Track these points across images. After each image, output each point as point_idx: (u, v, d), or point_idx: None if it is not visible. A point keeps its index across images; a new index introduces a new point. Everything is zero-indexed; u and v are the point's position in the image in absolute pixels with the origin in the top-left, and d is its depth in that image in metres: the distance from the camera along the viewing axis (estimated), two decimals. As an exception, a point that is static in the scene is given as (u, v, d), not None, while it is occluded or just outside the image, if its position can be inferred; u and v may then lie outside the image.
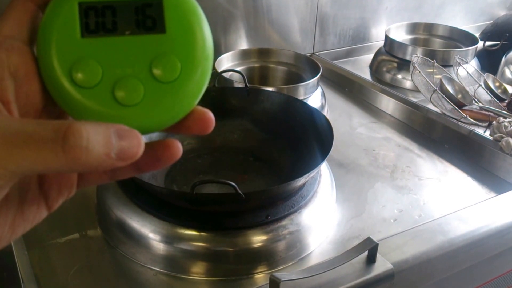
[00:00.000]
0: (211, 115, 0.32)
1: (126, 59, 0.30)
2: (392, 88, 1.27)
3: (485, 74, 1.25)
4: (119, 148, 0.26)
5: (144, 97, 0.30)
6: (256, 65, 1.29)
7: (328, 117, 0.83)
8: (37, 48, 0.30)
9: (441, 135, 1.07)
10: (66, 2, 0.29)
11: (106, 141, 0.25)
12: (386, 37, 1.41)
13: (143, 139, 0.27)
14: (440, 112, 1.11)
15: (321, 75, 1.13)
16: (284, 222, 0.72)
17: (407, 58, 1.32)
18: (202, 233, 0.69)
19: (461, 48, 1.40)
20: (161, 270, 0.70)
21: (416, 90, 1.23)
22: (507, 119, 1.01)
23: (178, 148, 0.30)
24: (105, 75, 0.29)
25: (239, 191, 0.64)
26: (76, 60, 0.29)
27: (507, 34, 1.46)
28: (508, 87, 1.26)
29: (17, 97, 0.29)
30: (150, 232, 0.70)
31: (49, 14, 0.30)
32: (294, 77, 1.24)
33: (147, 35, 0.30)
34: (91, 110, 0.29)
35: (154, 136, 0.36)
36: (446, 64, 1.28)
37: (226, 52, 1.24)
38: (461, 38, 1.46)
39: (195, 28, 0.30)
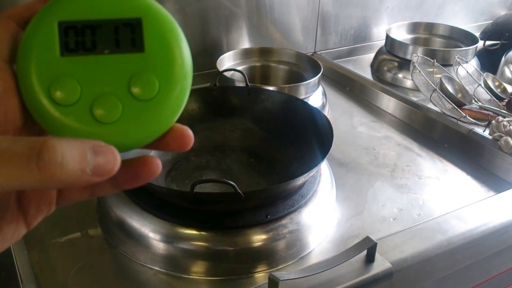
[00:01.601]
0: (189, 132, 0.32)
1: (105, 77, 0.30)
2: (393, 88, 1.27)
3: (485, 73, 1.25)
4: (94, 164, 0.26)
5: (122, 115, 0.30)
6: (258, 64, 1.29)
7: (329, 116, 0.84)
8: (16, 66, 0.30)
9: (441, 134, 1.08)
10: (46, 21, 0.30)
11: (81, 157, 0.25)
12: (387, 36, 1.41)
13: (119, 155, 0.27)
14: (440, 111, 1.11)
15: (322, 74, 1.13)
16: (284, 221, 0.72)
17: (408, 57, 1.32)
18: (202, 233, 0.69)
19: (461, 47, 1.40)
20: (161, 270, 0.70)
21: (416, 89, 1.23)
22: (506, 118, 1.01)
23: (157, 164, 0.30)
24: (83, 93, 0.30)
25: (239, 191, 0.64)
26: (55, 78, 0.29)
27: (507, 34, 1.46)
28: (507, 86, 1.26)
29: None
30: (150, 231, 0.70)
31: (29, 33, 0.30)
32: (295, 76, 1.24)
33: (126, 54, 0.30)
34: (69, 128, 0.29)
35: (134, 152, 0.37)
36: (446, 63, 1.28)
37: (228, 51, 1.24)
38: (461, 37, 1.46)
39: (173, 47, 0.31)
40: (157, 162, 0.30)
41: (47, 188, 0.32)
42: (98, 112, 0.29)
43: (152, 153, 0.82)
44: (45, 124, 0.30)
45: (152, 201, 0.72)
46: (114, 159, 0.27)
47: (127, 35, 0.30)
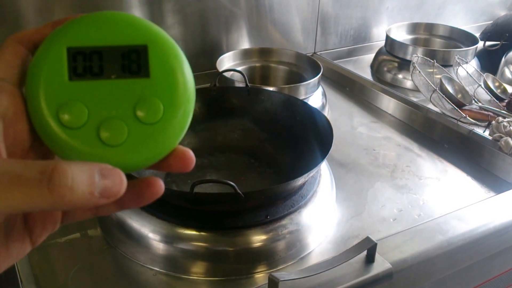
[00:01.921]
0: (191, 154, 0.33)
1: (112, 101, 0.31)
2: (393, 88, 1.27)
3: (485, 74, 1.25)
4: (102, 187, 0.27)
5: (128, 138, 0.31)
6: (257, 64, 1.29)
7: (329, 116, 0.83)
8: (25, 90, 0.31)
9: (441, 134, 1.07)
10: (55, 47, 0.31)
11: (90, 180, 0.26)
12: (387, 37, 1.41)
13: (125, 178, 0.28)
14: (440, 112, 1.11)
15: (322, 74, 1.13)
16: (283, 222, 0.72)
17: (408, 58, 1.32)
18: (202, 233, 0.69)
19: (461, 48, 1.40)
20: (161, 270, 0.70)
21: (416, 90, 1.23)
22: (506, 119, 1.01)
23: (160, 185, 0.31)
24: (91, 117, 0.31)
25: (239, 191, 0.64)
26: (63, 102, 0.30)
27: (507, 34, 1.46)
28: (507, 87, 1.26)
29: (5, 136, 0.30)
30: (150, 232, 0.70)
31: (39, 58, 0.31)
32: (295, 77, 1.24)
33: (132, 79, 0.31)
34: (77, 150, 0.30)
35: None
36: (446, 64, 1.28)
37: (227, 51, 1.24)
38: (461, 38, 1.46)
39: (177, 72, 0.32)
40: (160, 183, 0.31)
41: (56, 210, 0.33)
42: (104, 134, 0.30)
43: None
44: (53, 146, 0.31)
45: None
46: (120, 182, 0.28)
47: (134, 61, 0.32)
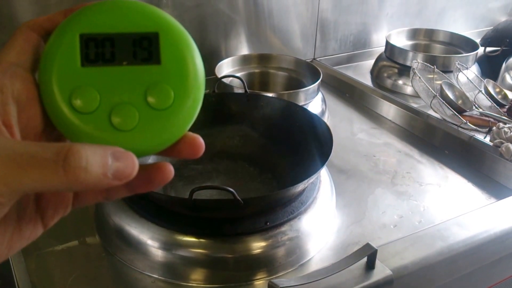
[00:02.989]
0: (201, 140, 0.34)
1: (123, 87, 0.32)
2: (393, 94, 1.27)
3: (485, 79, 1.25)
4: (115, 169, 0.28)
5: (139, 123, 0.31)
6: (257, 70, 1.29)
7: (328, 122, 0.83)
8: (38, 75, 0.32)
9: (442, 141, 1.07)
10: (68, 33, 0.32)
11: (103, 162, 0.27)
12: (387, 42, 1.41)
13: (137, 160, 0.29)
14: (440, 118, 1.11)
15: (321, 80, 1.13)
16: (283, 228, 0.72)
17: (408, 63, 1.32)
18: (201, 240, 0.69)
19: (462, 53, 1.40)
20: (160, 277, 0.70)
21: (416, 96, 1.23)
22: (507, 125, 1.00)
23: (170, 170, 0.32)
24: (102, 102, 0.31)
25: (238, 197, 0.64)
26: (75, 87, 0.31)
27: (508, 40, 1.46)
28: (508, 92, 1.26)
29: (19, 120, 0.31)
30: (148, 238, 0.69)
31: (52, 44, 0.32)
32: (295, 83, 1.24)
33: (143, 66, 0.32)
34: (89, 134, 0.31)
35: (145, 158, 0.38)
36: (446, 69, 1.28)
37: (226, 57, 1.24)
38: (461, 43, 1.46)
39: (188, 60, 0.33)
40: (170, 168, 0.32)
41: (70, 191, 0.34)
42: (116, 120, 0.31)
43: (151, 159, 0.82)
44: (65, 130, 0.32)
45: (150, 208, 0.72)
46: (132, 164, 0.29)
47: (145, 48, 0.32)
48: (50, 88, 0.31)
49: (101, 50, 0.32)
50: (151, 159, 0.82)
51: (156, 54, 0.32)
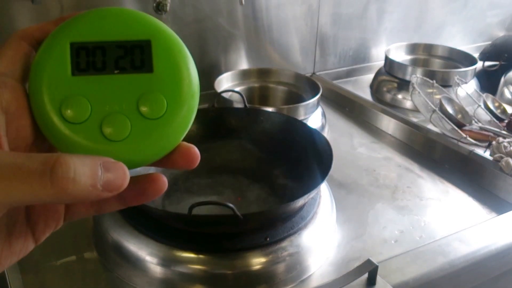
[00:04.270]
0: (196, 150, 0.33)
1: (114, 96, 0.31)
2: (393, 108, 1.27)
3: (485, 94, 1.25)
4: (105, 180, 0.27)
5: (131, 133, 0.31)
6: (256, 85, 1.29)
7: (328, 137, 0.83)
8: (29, 85, 0.31)
9: (442, 155, 1.07)
10: (58, 42, 0.31)
11: (93, 173, 0.26)
12: (386, 57, 1.41)
13: (128, 171, 0.28)
14: (440, 132, 1.11)
15: (321, 95, 1.13)
16: (283, 244, 0.71)
17: (407, 78, 1.32)
18: (200, 256, 0.68)
19: (461, 68, 1.40)
20: (159, 293, 0.69)
21: (416, 110, 1.23)
22: (507, 139, 1.00)
23: (163, 182, 0.32)
24: (93, 112, 0.31)
25: (238, 213, 0.63)
26: (66, 97, 0.30)
27: (506, 55, 1.46)
28: (507, 107, 1.26)
29: (8, 131, 0.30)
30: (147, 255, 0.69)
31: (42, 53, 0.31)
32: (294, 97, 1.24)
33: (135, 74, 0.31)
34: (79, 145, 0.30)
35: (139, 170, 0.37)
36: (445, 84, 1.29)
37: (226, 72, 1.24)
38: (460, 58, 1.47)
39: (181, 68, 0.32)
40: (163, 179, 0.32)
41: (59, 203, 0.33)
42: (107, 130, 0.30)
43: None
44: (55, 141, 0.31)
45: (149, 223, 0.71)
46: (123, 175, 0.28)
47: (137, 56, 0.32)
48: (40, 97, 0.30)
49: (92, 58, 0.31)
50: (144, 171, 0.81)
51: (149, 62, 0.32)
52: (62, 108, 0.30)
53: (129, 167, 0.29)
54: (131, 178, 0.29)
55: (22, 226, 0.32)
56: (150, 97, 0.31)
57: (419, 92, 1.16)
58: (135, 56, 0.31)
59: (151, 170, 0.79)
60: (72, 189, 0.25)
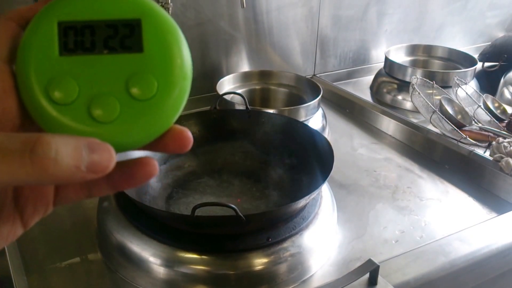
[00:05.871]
0: (188, 133, 0.32)
1: (103, 77, 0.30)
2: (393, 109, 1.28)
3: (484, 94, 1.26)
4: (89, 161, 0.26)
5: (120, 115, 0.30)
6: (257, 87, 1.29)
7: (329, 138, 0.83)
8: (16, 66, 0.30)
9: (442, 155, 1.07)
10: (46, 22, 0.30)
11: (76, 153, 0.25)
12: (386, 58, 1.41)
13: (114, 153, 0.27)
14: (440, 132, 1.11)
15: (322, 96, 1.14)
16: (285, 244, 0.72)
17: (407, 79, 1.33)
18: (203, 256, 0.69)
19: (460, 69, 1.41)
20: (162, 294, 0.70)
21: (416, 111, 1.23)
22: (507, 139, 1.01)
23: (153, 165, 0.30)
24: (81, 93, 0.30)
25: (240, 214, 0.64)
26: (53, 77, 0.29)
27: (506, 55, 1.47)
28: (507, 107, 1.26)
29: None
30: (150, 255, 0.69)
31: (29, 33, 0.30)
32: (295, 99, 1.25)
33: (124, 54, 0.30)
34: (67, 126, 0.29)
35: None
36: (445, 85, 1.29)
37: (227, 74, 1.25)
38: (460, 59, 1.47)
39: (173, 48, 0.31)
40: (153, 163, 0.30)
41: (41, 184, 0.32)
42: (95, 111, 0.29)
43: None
44: (42, 123, 0.30)
45: (152, 225, 0.72)
46: (109, 157, 0.27)
47: (126, 35, 0.30)
48: (27, 78, 0.29)
49: (80, 38, 0.30)
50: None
51: (139, 42, 0.30)
52: (49, 89, 0.29)
53: (118, 150, 0.28)
54: (120, 162, 0.29)
55: (9, 210, 0.31)
56: (140, 78, 0.30)
57: (419, 93, 1.17)
58: (124, 35, 0.30)
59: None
60: (53, 170, 0.24)
